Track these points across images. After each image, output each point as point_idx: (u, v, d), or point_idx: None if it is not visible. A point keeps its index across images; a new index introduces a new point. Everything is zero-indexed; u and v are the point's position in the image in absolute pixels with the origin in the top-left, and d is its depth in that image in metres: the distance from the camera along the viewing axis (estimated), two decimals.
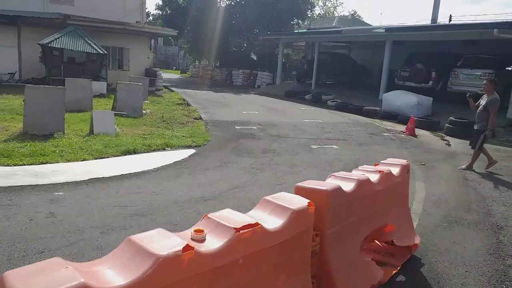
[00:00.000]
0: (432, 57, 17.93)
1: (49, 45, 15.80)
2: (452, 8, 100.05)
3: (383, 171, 3.55)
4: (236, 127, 11.56)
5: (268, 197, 2.66)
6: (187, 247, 1.89)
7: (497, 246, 4.44)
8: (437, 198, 6.16)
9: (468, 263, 3.99)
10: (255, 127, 11.70)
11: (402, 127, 12.93)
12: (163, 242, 1.92)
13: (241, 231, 2.13)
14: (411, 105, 15.01)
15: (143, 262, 1.79)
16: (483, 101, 7.86)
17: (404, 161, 4.08)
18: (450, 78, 16.49)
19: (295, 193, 2.97)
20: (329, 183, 3.07)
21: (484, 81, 8.11)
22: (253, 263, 2.27)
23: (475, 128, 8.05)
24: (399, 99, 15.75)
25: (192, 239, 2.08)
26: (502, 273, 3.80)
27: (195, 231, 2.10)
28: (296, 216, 2.47)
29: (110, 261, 1.86)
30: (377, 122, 14.65)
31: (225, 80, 30.16)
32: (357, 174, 3.44)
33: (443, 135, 12.32)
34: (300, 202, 2.59)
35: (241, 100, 19.34)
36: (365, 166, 3.86)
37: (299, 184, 3.02)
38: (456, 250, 4.29)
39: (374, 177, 3.48)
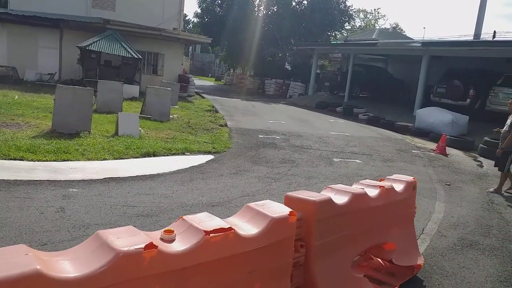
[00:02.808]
0: (471, 74, 17.26)
1: (87, 48, 16.51)
2: (506, 25, 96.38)
3: (383, 187, 3.43)
4: (260, 135, 11.56)
5: (251, 204, 2.63)
6: (150, 245, 1.89)
7: (511, 275, 4.16)
8: (456, 220, 5.88)
9: None
10: (278, 137, 11.66)
11: (434, 145, 12.49)
12: (128, 239, 1.94)
13: (211, 235, 2.12)
14: (445, 123, 14.49)
15: (103, 257, 1.81)
16: (509, 121, 7.47)
17: (410, 178, 3.93)
18: (489, 97, 15.81)
19: (285, 202, 2.92)
20: (320, 194, 2.99)
21: (510, 100, 7.74)
22: (226, 268, 2.24)
23: (498, 151, 7.67)
24: (433, 116, 15.25)
25: (161, 238, 2.09)
26: None
27: (164, 231, 2.11)
28: (275, 224, 2.42)
29: (74, 253, 1.90)
30: (408, 138, 14.23)
31: (257, 89, 30.34)
32: (354, 188, 3.34)
33: (477, 155, 11.81)
34: (282, 210, 2.54)
35: (270, 110, 19.36)
36: (367, 180, 3.74)
37: (289, 193, 2.97)
38: (463, 275, 4.06)
39: (372, 192, 3.36)
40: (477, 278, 4.01)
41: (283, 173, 7.77)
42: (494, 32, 20.29)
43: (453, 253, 4.64)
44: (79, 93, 8.82)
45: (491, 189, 7.77)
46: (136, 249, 1.85)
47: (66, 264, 1.79)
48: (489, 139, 11.82)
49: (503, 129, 7.60)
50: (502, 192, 7.66)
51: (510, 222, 5.95)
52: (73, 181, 5.90)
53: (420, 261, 3.95)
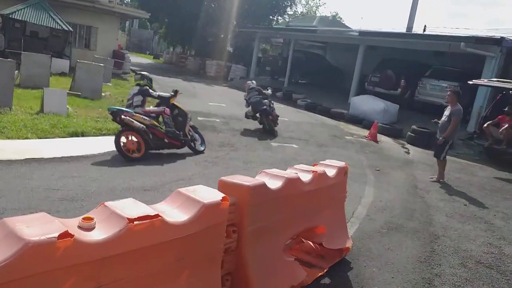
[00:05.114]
0: (403, 65, 18.17)
1: (10, 16, 15.01)
2: (440, 20, 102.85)
3: (316, 172, 3.47)
4: (199, 118, 11.33)
5: (181, 189, 2.52)
6: (64, 234, 1.71)
7: (429, 255, 4.46)
8: (383, 204, 6.19)
9: (396, 269, 3.98)
10: (218, 120, 11.52)
11: (366, 132, 13.04)
12: (40, 227, 1.75)
13: (135, 222, 1.98)
14: (378, 111, 15.16)
15: (10, 247, 1.62)
16: (446, 112, 7.94)
17: (342, 163, 4.02)
18: (418, 88, 16.78)
19: (218, 187, 2.84)
20: (254, 179, 2.95)
21: (448, 92, 8.20)
22: (151, 256, 2.12)
23: (439, 140, 8.07)
24: (367, 103, 15.89)
25: (79, 227, 1.92)
26: (427, 281, 3.81)
27: (83, 218, 1.94)
28: (206, 210, 2.34)
29: None
30: (342, 125, 14.75)
31: (198, 70, 29.68)
32: (288, 172, 3.34)
33: (404, 143, 12.51)
34: (214, 196, 2.45)
35: (211, 92, 19.07)
36: (301, 165, 3.77)
37: (223, 178, 2.89)
38: (388, 256, 4.29)
39: (306, 177, 3.39)
40: (400, 259, 4.25)
41: (221, 157, 7.69)
42: (425, 26, 21.60)
43: (380, 236, 4.87)
44: None
45: (434, 178, 8.14)
46: (48, 238, 1.67)
47: None
48: (416, 128, 12.58)
49: (441, 120, 8.00)
50: (444, 180, 8.05)
51: (431, 206, 6.38)
52: None
53: (349, 244, 4.09)
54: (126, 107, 7.17)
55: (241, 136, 9.87)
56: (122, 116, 6.52)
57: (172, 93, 7.82)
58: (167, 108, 7.51)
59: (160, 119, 7.39)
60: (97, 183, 5.19)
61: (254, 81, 11.95)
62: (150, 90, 7.52)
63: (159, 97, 7.73)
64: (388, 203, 6.26)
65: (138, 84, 7.58)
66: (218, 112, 12.78)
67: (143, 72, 8.36)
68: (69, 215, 4.04)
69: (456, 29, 39.03)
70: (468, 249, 4.77)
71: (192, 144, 7.72)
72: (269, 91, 11.81)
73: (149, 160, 6.64)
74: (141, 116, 6.84)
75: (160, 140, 7.05)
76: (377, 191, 6.81)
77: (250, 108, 10.82)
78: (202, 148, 7.92)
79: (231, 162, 7.37)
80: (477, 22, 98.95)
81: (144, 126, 6.70)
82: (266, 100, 10.80)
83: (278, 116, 11.14)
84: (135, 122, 6.61)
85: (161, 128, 7.13)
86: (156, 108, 7.58)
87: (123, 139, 6.57)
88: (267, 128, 10.63)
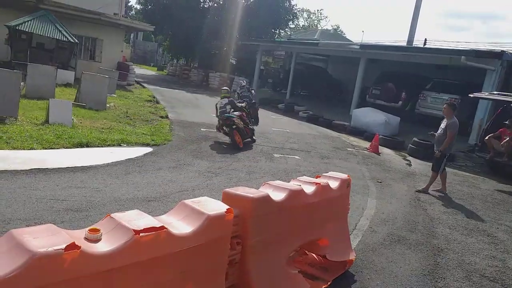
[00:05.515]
0: (404, 77, 18.31)
1: (17, 27, 15.21)
2: (439, 33, 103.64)
3: (319, 184, 3.49)
4: (202, 129, 11.41)
5: (187, 201, 2.55)
6: (72, 246, 1.74)
7: (433, 268, 4.46)
8: (386, 216, 6.19)
9: (400, 282, 3.98)
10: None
11: (368, 144, 13.06)
12: (47, 239, 1.78)
13: (141, 234, 2.01)
14: (379, 123, 15.22)
15: (17, 259, 1.64)
16: (442, 125, 7.97)
17: (345, 176, 4.05)
18: (419, 100, 16.86)
19: (223, 199, 2.87)
20: (258, 191, 2.98)
21: (444, 105, 8.21)
22: (156, 268, 2.14)
23: (436, 154, 8.09)
24: (368, 116, 15.96)
25: (85, 238, 1.95)
26: None
27: (89, 230, 1.97)
28: (211, 222, 2.36)
29: None
30: (344, 137, 14.77)
31: (201, 82, 29.89)
32: (291, 184, 3.37)
33: (406, 155, 12.51)
34: (218, 208, 2.48)
35: (213, 103, 19.07)
36: (305, 177, 3.80)
37: (227, 190, 2.92)
38: (391, 269, 4.28)
39: (309, 189, 3.41)
40: (404, 272, 4.24)
41: (224, 167, 7.71)
42: (425, 39, 21.74)
43: (383, 248, 4.87)
44: (4, 75, 8.09)
45: (420, 188, 8.22)
46: (55, 250, 1.70)
47: None
48: (417, 140, 12.60)
49: (437, 132, 8.04)
50: (429, 192, 8.13)
51: (434, 219, 6.38)
52: None
53: (352, 256, 4.10)
54: (220, 113, 10.04)
55: (244, 147, 9.90)
56: (234, 120, 9.65)
57: (244, 104, 10.91)
58: (243, 113, 10.37)
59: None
60: (102, 194, 5.22)
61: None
62: (235, 101, 10.61)
63: (240, 107, 10.51)
64: (391, 215, 6.26)
65: (225, 97, 10.42)
66: None
67: (225, 88, 11.41)
68: (74, 226, 4.07)
69: (457, 43, 39.27)
70: (472, 262, 4.76)
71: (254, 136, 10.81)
72: (252, 91, 13.84)
73: (152, 171, 6.67)
74: (239, 120, 9.88)
75: (245, 135, 10.10)
76: (379, 203, 6.81)
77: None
78: (255, 139, 10.83)
79: (234, 173, 7.39)
80: (477, 35, 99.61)
81: (242, 125, 9.91)
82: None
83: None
84: (238, 123, 9.72)
85: (245, 126, 10.16)
86: (237, 112, 10.19)
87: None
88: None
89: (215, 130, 10.53)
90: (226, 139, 10.17)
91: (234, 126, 9.61)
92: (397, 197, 7.47)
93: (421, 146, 12.34)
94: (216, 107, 10.44)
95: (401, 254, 4.76)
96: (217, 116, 10.28)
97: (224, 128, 9.82)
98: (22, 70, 10.36)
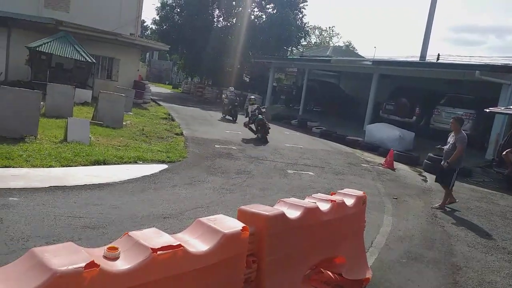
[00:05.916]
0: (417, 93, 18.21)
1: (37, 49, 15.72)
2: (451, 48, 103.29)
3: (335, 201, 3.49)
4: (216, 145, 11.49)
5: (202, 219, 2.58)
6: (91, 264, 1.78)
7: (452, 287, 4.36)
8: (402, 233, 6.11)
9: None
10: (235, 147, 11.64)
11: (382, 160, 12.95)
12: (67, 257, 1.82)
13: (158, 252, 2.04)
14: (393, 139, 15.10)
15: (38, 277, 1.68)
16: (450, 139, 7.91)
17: (360, 193, 4.03)
18: (433, 115, 16.73)
19: (238, 216, 2.89)
20: (273, 208, 2.99)
21: (451, 120, 8.15)
22: (173, 286, 2.16)
23: (443, 165, 8.01)
24: (382, 131, 15.86)
25: (104, 256, 1.98)
26: None
27: (108, 248, 2.01)
28: (227, 240, 2.38)
29: (4, 273, 1.75)
30: (358, 152, 14.68)
31: (215, 99, 30.22)
32: (307, 202, 3.37)
33: (421, 170, 12.36)
34: (234, 226, 2.51)
35: (226, 120, 19.31)
36: (320, 194, 3.80)
37: (243, 207, 2.95)
38: (409, 287, 4.21)
39: (324, 206, 3.41)
40: None
41: (238, 184, 7.74)
42: (438, 55, 21.60)
43: (400, 266, 4.80)
44: (25, 95, 8.34)
45: (436, 205, 8.11)
46: (75, 268, 1.74)
47: None
48: (432, 155, 12.44)
49: (446, 147, 7.99)
50: (445, 208, 8.02)
51: (452, 236, 6.26)
52: (14, 189, 5.54)
53: (369, 274, 4.05)
54: (252, 115, 13.82)
55: (257, 163, 9.94)
56: (265, 122, 13.58)
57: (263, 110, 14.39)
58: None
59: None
60: (118, 211, 5.29)
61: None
62: (260, 107, 14.34)
63: (263, 112, 14.12)
64: (407, 232, 6.18)
65: (254, 103, 14.37)
66: (234, 140, 12.93)
67: (252, 96, 16.01)
68: (91, 243, 4.12)
69: (470, 57, 38.98)
70: (493, 281, 4.65)
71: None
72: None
73: (168, 188, 6.74)
74: (264, 120, 13.55)
75: (267, 131, 13.35)
76: (395, 220, 6.73)
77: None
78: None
79: (248, 190, 7.41)
80: (491, 49, 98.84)
81: (267, 124, 13.48)
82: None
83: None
84: (267, 124, 13.50)
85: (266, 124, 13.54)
86: (261, 116, 13.65)
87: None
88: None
89: (243, 126, 14.29)
90: (240, 155, 10.21)
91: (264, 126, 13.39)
92: (414, 213, 7.37)
93: (437, 161, 12.13)
94: (248, 110, 14.16)
95: (418, 272, 4.68)
96: (246, 116, 14.16)
97: (258, 126, 13.51)
98: (42, 90, 10.66)
